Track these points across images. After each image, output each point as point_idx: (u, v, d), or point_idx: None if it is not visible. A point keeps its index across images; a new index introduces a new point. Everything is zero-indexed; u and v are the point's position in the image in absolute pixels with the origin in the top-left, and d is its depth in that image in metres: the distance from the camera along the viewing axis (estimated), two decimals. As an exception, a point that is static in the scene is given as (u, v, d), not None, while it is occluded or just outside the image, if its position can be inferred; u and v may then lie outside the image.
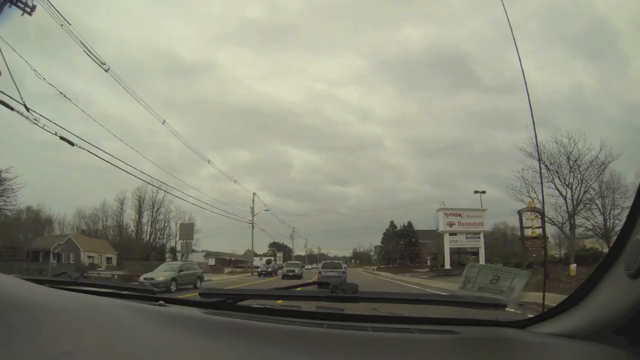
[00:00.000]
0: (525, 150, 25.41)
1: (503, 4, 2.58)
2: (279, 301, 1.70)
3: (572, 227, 26.31)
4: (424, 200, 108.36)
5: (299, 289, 1.74)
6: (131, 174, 22.31)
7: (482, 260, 32.17)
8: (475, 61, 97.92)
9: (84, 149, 16.14)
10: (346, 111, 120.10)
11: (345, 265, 33.31)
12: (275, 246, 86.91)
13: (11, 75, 12.50)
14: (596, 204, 26.80)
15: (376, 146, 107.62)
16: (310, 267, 62.78)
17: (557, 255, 31.11)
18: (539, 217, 23.37)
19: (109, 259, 48.61)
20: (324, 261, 36.33)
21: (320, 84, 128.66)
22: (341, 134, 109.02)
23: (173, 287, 17.61)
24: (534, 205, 24.80)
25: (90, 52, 16.20)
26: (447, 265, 35.43)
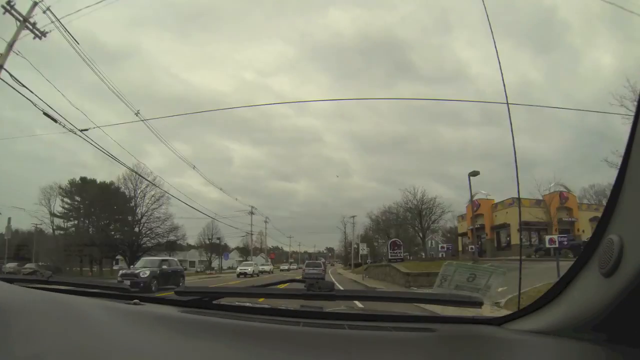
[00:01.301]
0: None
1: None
2: (261, 299, 1.67)
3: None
4: (374, 198, 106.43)
5: (277, 286, 1.72)
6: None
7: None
8: (411, 48, 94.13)
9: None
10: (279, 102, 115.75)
11: (324, 260, 34.76)
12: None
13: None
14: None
15: (316, 140, 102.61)
16: (287, 268, 56.39)
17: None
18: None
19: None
20: (307, 260, 38.87)
21: (249, 73, 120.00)
22: (278, 127, 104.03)
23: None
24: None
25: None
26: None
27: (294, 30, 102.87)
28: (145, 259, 20.55)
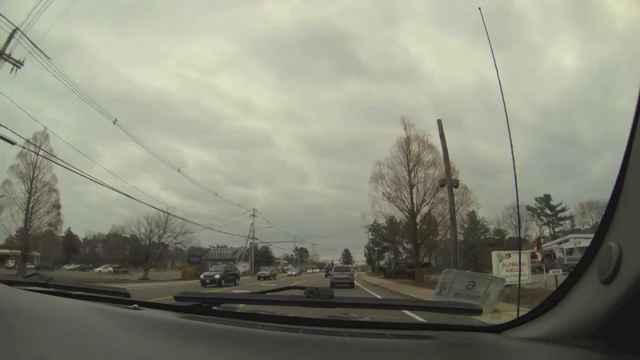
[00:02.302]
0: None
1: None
2: (260, 306, 1.66)
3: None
4: (333, 205, 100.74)
5: (277, 293, 1.71)
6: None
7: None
8: (356, 42, 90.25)
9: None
10: (226, 103, 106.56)
11: (353, 268, 37.06)
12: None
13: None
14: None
15: (267, 144, 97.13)
16: (267, 274, 43.33)
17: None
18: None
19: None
20: (336, 265, 39.46)
21: (191, 71, 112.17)
22: (227, 129, 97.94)
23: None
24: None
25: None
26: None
27: (229, 23, 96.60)
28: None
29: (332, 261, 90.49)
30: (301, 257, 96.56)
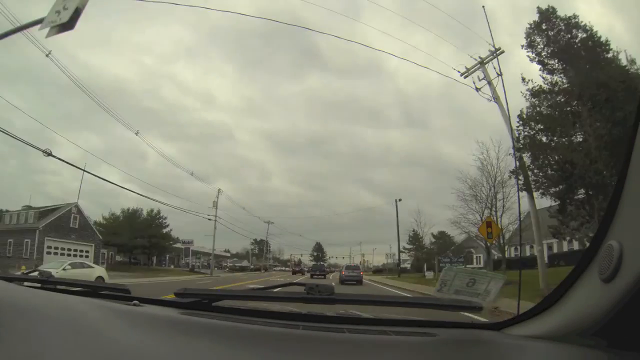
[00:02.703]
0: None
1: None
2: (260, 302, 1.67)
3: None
4: (297, 204, 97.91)
5: (275, 290, 1.72)
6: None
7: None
8: (318, 34, 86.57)
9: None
10: (185, 93, 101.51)
11: (360, 267, 38.39)
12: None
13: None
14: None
15: (228, 138, 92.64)
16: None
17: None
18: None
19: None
20: (346, 264, 40.99)
21: (150, 58, 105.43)
22: (188, 121, 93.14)
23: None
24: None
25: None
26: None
27: (188, 9, 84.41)
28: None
29: (300, 257, 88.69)
30: (261, 251, 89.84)
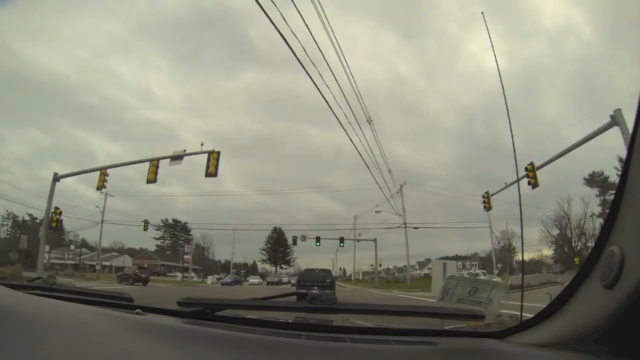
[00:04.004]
0: None
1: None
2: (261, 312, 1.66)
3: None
4: (258, 208, 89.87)
5: (278, 299, 1.71)
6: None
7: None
8: (249, 24, 76.87)
9: None
10: (124, 90, 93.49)
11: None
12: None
13: None
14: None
15: (173, 138, 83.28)
16: (257, 282, 45.75)
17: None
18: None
19: None
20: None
21: (84, 51, 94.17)
22: (131, 120, 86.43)
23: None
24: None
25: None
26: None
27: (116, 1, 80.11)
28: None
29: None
30: (175, 248, 74.17)
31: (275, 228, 75.71)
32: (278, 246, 78.87)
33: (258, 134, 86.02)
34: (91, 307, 1.30)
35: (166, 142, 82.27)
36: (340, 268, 79.08)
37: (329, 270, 21.54)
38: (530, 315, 1.27)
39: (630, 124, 0.92)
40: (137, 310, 1.35)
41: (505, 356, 1.17)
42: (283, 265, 77.96)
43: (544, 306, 1.19)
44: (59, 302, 1.23)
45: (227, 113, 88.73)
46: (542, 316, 1.20)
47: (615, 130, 15.40)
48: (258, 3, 8.39)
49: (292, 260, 79.68)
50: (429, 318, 1.50)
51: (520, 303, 1.69)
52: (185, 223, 70.97)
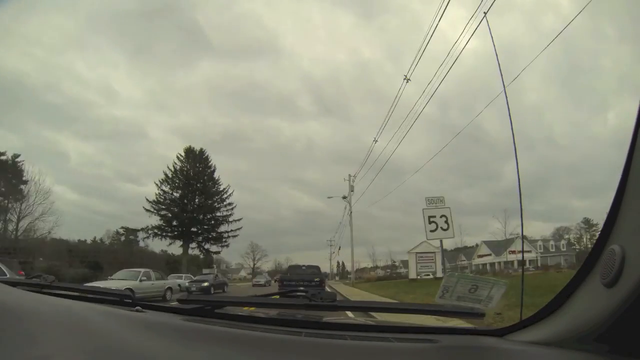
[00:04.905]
0: None
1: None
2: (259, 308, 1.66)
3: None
4: (242, 209, 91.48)
5: (278, 297, 1.72)
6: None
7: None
8: (196, 8, 73.17)
9: None
10: (85, 87, 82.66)
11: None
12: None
13: None
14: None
15: (142, 136, 78.55)
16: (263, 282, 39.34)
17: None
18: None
19: None
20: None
21: (38, 48, 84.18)
22: (96, 118, 74.00)
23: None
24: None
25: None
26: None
27: None
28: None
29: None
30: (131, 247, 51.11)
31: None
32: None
33: (226, 129, 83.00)
34: (91, 304, 1.31)
35: (136, 141, 78.32)
36: (338, 263, 77.57)
37: (317, 267, 19.70)
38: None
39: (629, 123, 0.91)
40: (136, 307, 1.36)
41: (506, 354, 1.17)
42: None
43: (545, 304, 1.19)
44: (59, 300, 1.23)
45: (191, 108, 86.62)
46: (543, 314, 1.20)
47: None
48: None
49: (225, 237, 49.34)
50: (429, 316, 1.50)
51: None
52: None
